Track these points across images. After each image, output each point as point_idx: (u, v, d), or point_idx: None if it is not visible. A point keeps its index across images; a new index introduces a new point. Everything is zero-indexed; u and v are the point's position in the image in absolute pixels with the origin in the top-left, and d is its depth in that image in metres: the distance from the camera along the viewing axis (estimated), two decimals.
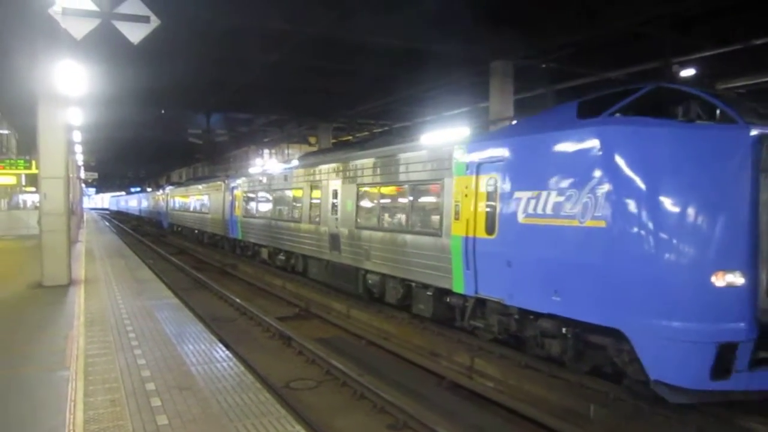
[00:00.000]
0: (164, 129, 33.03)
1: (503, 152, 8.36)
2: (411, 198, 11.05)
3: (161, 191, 46.54)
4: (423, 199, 10.89)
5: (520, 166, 8.06)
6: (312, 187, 15.61)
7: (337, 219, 13.77)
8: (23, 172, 28.68)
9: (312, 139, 35.14)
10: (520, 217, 7.77)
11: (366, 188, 12.89)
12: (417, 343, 10.63)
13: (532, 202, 7.57)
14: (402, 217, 11.50)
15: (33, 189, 31.82)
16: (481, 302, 9.04)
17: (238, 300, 14.41)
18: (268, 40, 14.92)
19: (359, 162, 13.16)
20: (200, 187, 31.54)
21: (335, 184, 14.07)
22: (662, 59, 14.73)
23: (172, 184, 48.27)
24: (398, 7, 12.77)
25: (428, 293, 10.35)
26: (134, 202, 72.08)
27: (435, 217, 10.13)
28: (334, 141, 29.97)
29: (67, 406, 5.52)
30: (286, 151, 40.08)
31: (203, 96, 22.28)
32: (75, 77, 11.61)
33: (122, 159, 58.29)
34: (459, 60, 16.59)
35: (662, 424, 6.71)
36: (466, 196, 9.04)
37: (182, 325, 9.13)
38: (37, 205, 15.29)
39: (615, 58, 16.10)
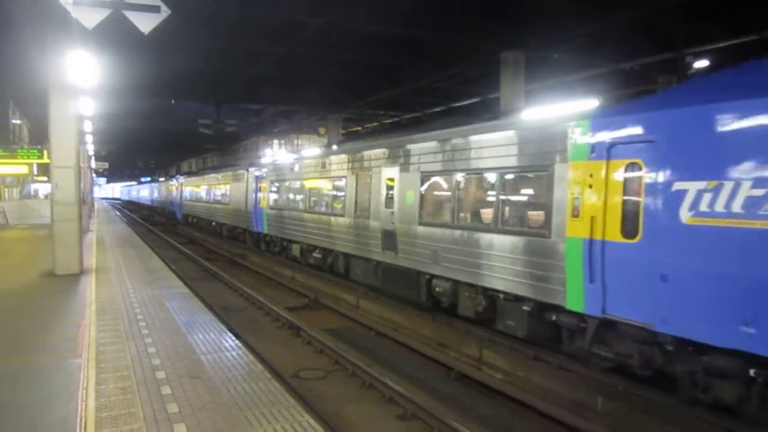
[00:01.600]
0: (174, 119, 33.10)
1: (652, 129, 6.41)
2: (501, 189, 8.93)
3: (175, 180, 44.77)
4: (519, 191, 9.05)
5: (684, 146, 6.10)
6: (358, 176, 13.56)
7: (392, 213, 11.81)
8: (35, 161, 28.98)
9: (321, 130, 35.12)
10: (685, 217, 5.95)
11: (434, 177, 10.82)
12: (426, 334, 10.65)
13: (707, 196, 5.75)
14: (487, 212, 9.40)
15: (45, 178, 32.05)
16: (608, 324, 7.02)
17: (247, 290, 14.48)
18: (278, 31, 14.88)
19: (425, 145, 11.04)
20: (218, 176, 29.68)
21: (390, 172, 12.04)
22: (675, 50, 14.57)
23: (185, 173, 46.99)
24: None
25: (524, 308, 8.38)
26: (146, 191, 70.32)
27: (538, 214, 8.24)
28: (343, 132, 29.94)
29: (79, 394, 5.58)
30: (295, 142, 40.12)
31: (213, 86, 22.28)
32: (86, 67, 11.64)
33: (132, 149, 58.61)
34: (469, 50, 16.48)
35: (672, 417, 6.69)
36: (590, 186, 7.11)
37: (192, 314, 9.19)
38: (49, 195, 15.39)
39: (628, 49, 15.94)
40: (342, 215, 14.23)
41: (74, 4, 7.22)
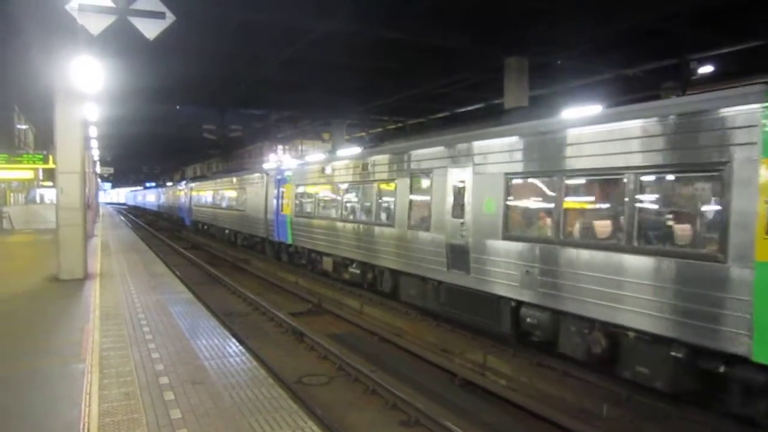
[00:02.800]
0: (178, 124, 33.30)
1: None
2: (635, 195, 6.81)
3: (183, 185, 43.08)
4: (668, 197, 6.88)
5: None
6: (413, 179, 11.56)
7: (463, 224, 9.75)
8: (41, 166, 29.05)
9: (326, 135, 35.26)
10: None
11: (525, 180, 8.83)
12: (429, 340, 10.62)
13: None
14: (608, 224, 7.37)
15: (50, 183, 32.17)
16: None
17: (251, 295, 14.48)
18: (282, 36, 14.96)
19: (511, 141, 8.89)
20: (233, 180, 27.62)
21: (459, 174, 9.96)
22: (679, 56, 14.57)
23: (195, 177, 45.66)
24: (413, 4, 12.73)
25: (672, 353, 6.34)
26: (152, 196, 68.41)
27: (701, 228, 6.33)
28: (347, 137, 30.00)
29: (82, 399, 5.58)
30: (299, 147, 40.20)
31: (217, 92, 22.39)
32: (91, 73, 11.68)
33: (137, 154, 58.83)
34: (473, 56, 16.52)
35: (677, 425, 6.65)
36: None
37: (195, 320, 9.20)
38: (54, 200, 15.44)
39: (631, 55, 15.95)
40: (390, 225, 12.23)
41: (80, 10, 7.26)
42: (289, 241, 18.68)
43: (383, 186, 12.91)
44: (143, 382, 6.11)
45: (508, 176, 8.90)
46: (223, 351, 7.40)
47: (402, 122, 29.25)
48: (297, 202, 18.16)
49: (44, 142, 32.84)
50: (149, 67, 17.30)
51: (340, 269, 15.15)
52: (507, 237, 8.79)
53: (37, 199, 36.64)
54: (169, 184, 57.83)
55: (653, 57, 15.69)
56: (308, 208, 17.35)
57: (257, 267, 20.85)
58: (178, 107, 27.43)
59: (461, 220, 9.83)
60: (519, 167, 8.73)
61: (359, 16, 12.99)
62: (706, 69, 16.01)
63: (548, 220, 8.22)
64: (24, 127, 36.67)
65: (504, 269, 8.79)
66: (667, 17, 13.10)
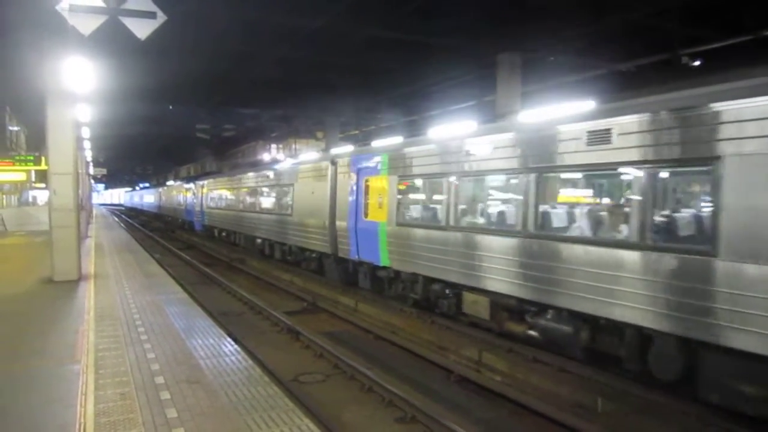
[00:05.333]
0: (172, 124, 33.18)
1: None
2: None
3: (192, 184, 36.50)
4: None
5: None
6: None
7: None
8: (33, 168, 28.96)
9: (319, 134, 35.25)
10: None
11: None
12: (425, 337, 10.65)
13: None
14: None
15: (43, 185, 32.07)
16: None
17: (246, 294, 14.47)
18: (274, 35, 14.93)
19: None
20: (269, 174, 21.27)
21: None
22: (671, 51, 14.63)
23: (206, 173, 39.18)
24: (404, 1, 12.73)
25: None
26: (151, 197, 61.54)
27: None
28: (341, 135, 30.01)
29: (78, 400, 5.58)
30: (293, 146, 40.15)
31: (210, 91, 22.33)
32: (83, 74, 11.66)
33: (130, 155, 58.71)
34: (466, 53, 16.54)
35: (670, 417, 6.70)
36: None
37: (191, 320, 9.19)
38: (47, 201, 15.37)
39: (623, 51, 16.00)
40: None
41: (70, 10, 7.23)
42: (383, 263, 12.61)
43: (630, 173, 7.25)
44: (139, 381, 6.10)
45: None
46: (219, 350, 7.40)
47: (394, 120, 29.26)
48: (401, 202, 12.24)
49: (36, 144, 32.72)
50: (141, 67, 17.25)
51: (503, 315, 9.49)
52: None
53: (30, 201, 36.48)
54: (171, 182, 52.31)
55: (645, 53, 15.73)
56: (433, 214, 11.33)
57: (252, 266, 20.82)
58: (170, 107, 27.35)
59: None
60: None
61: (351, 13, 12.98)
62: (697, 63, 16.07)
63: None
64: (16, 128, 36.54)
65: None
66: (658, 13, 13.16)
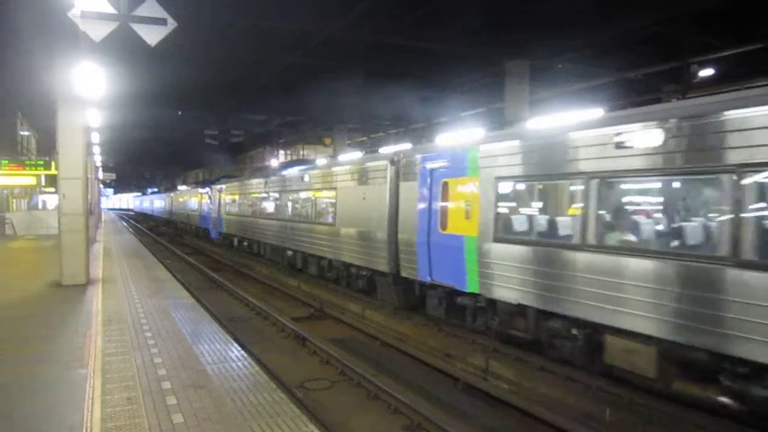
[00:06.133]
0: (181, 130, 33.36)
1: None
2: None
3: (208, 188, 33.75)
4: None
5: None
6: None
7: None
8: (43, 172, 29.21)
9: (327, 140, 35.33)
10: None
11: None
12: (432, 344, 10.61)
13: None
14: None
15: (52, 189, 32.26)
16: None
17: (253, 300, 14.48)
18: (283, 42, 15.01)
19: None
20: (303, 176, 17.99)
21: None
22: (680, 59, 14.59)
23: (223, 176, 36.48)
24: (413, 8, 12.76)
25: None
26: (162, 202, 58.37)
27: None
28: (349, 142, 30.06)
29: (85, 404, 5.59)
30: (301, 152, 40.27)
31: (219, 97, 22.43)
32: (93, 79, 11.76)
33: (139, 160, 59.10)
34: (474, 60, 16.56)
35: (679, 429, 6.63)
36: None
37: (198, 325, 9.20)
38: (56, 206, 15.47)
39: (632, 58, 15.97)
40: None
41: (82, 17, 7.30)
42: (469, 288, 9.84)
43: None
44: (146, 386, 6.11)
45: None
46: (225, 356, 7.40)
47: (403, 126, 29.30)
48: (502, 212, 9.34)
49: (47, 148, 32.95)
50: (151, 73, 17.37)
51: (677, 372, 6.91)
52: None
53: (40, 205, 36.73)
54: (184, 187, 49.19)
55: (654, 61, 15.69)
56: (559, 227, 8.36)
57: (259, 272, 20.84)
58: (179, 112, 27.51)
59: None
60: None
61: (360, 21, 13.03)
62: (707, 72, 16.03)
63: None
64: (27, 133, 36.85)
65: None
66: (667, 21, 13.13)
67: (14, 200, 38.34)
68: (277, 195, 20.82)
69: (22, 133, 35.26)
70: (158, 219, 59.84)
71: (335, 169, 15.83)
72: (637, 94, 18.44)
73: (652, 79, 17.14)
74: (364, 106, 24.23)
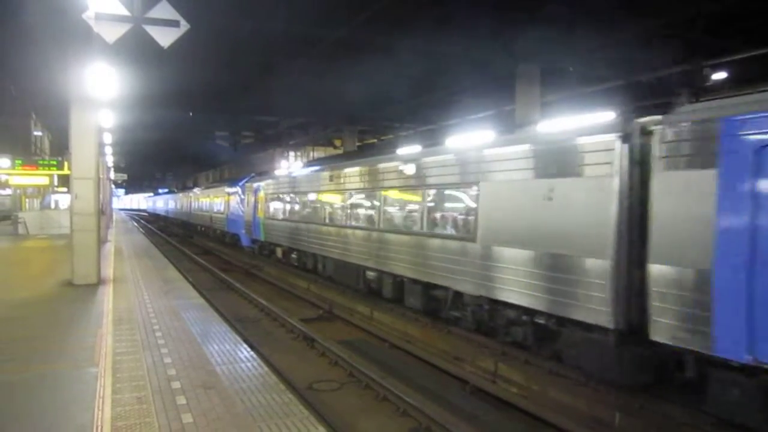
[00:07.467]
0: (192, 131, 33.56)
1: None
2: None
3: (237, 187, 28.76)
4: None
5: None
6: None
7: None
8: (56, 172, 29.48)
9: (337, 142, 35.42)
10: None
11: None
12: (441, 347, 10.59)
13: None
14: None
15: (65, 189, 32.53)
16: None
17: (262, 301, 14.52)
18: (294, 44, 15.04)
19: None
20: (407, 165, 12.22)
21: None
22: (693, 62, 14.48)
23: (262, 173, 28.40)
24: (423, 11, 12.76)
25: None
26: (179, 202, 53.25)
27: None
28: (359, 144, 30.09)
29: (95, 403, 5.62)
30: (311, 154, 40.39)
31: (230, 99, 22.52)
32: (106, 80, 11.84)
33: (151, 160, 59.41)
34: (484, 63, 16.52)
35: None
36: None
37: (207, 325, 9.24)
38: (69, 205, 15.58)
39: (644, 61, 15.86)
40: None
41: (96, 18, 7.37)
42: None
43: None
44: (155, 386, 6.14)
45: None
46: (235, 356, 7.42)
47: (413, 129, 29.30)
48: None
49: (60, 149, 33.27)
50: (163, 74, 17.46)
51: None
52: None
53: (52, 205, 37.05)
54: (202, 187, 44.82)
55: (667, 63, 15.58)
56: None
57: (269, 273, 20.90)
58: (191, 114, 27.66)
59: None
60: None
61: (370, 24, 13.04)
62: (720, 75, 15.88)
63: None
64: (40, 133, 37.21)
65: None
66: (680, 23, 13.04)
67: (27, 200, 38.71)
68: (353, 193, 15.14)
69: (35, 133, 35.61)
70: (174, 221, 55.29)
71: (476, 153, 10.12)
72: (650, 97, 18.32)
73: (665, 82, 17.02)
74: (374, 109, 24.28)
